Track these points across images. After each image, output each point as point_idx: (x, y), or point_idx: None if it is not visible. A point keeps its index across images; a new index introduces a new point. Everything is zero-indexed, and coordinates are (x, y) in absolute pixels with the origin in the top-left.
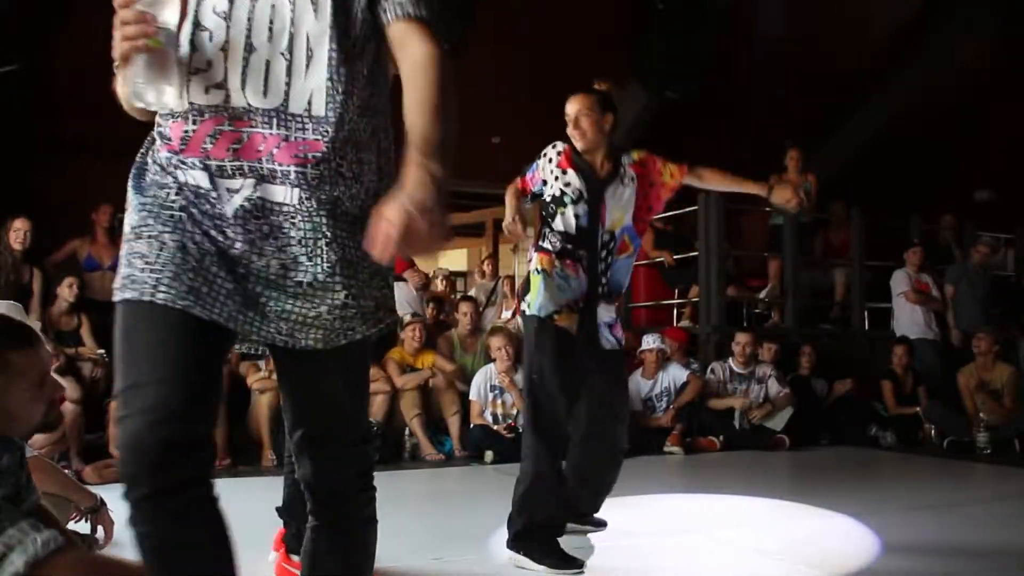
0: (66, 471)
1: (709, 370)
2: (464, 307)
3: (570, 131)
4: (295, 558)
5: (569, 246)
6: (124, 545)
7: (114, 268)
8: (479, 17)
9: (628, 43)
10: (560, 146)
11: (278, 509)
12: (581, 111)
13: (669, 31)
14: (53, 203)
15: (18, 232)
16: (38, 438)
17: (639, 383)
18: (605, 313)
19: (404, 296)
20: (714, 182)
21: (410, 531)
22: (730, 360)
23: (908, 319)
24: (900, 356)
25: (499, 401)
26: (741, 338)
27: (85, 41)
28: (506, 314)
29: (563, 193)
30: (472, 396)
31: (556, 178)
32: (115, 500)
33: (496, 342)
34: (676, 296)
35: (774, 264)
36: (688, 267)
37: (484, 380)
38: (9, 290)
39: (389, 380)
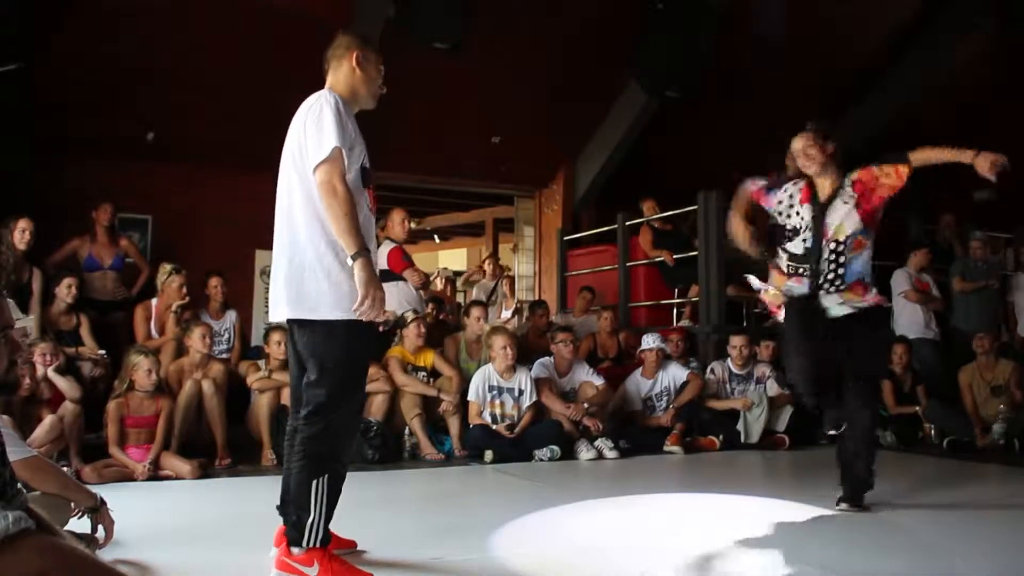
0: (65, 471)
1: (709, 370)
2: (475, 311)
3: (801, 162)
4: (296, 551)
5: (795, 265)
6: (124, 544)
7: (114, 268)
8: (479, 17)
9: (628, 43)
10: (800, 183)
11: (278, 507)
12: (807, 144)
13: (669, 31)
14: (53, 203)
15: (23, 232)
16: (38, 436)
17: (639, 382)
18: (832, 300)
19: (404, 295)
20: (930, 158)
21: (410, 531)
22: (728, 361)
23: (908, 319)
24: (900, 356)
25: (497, 401)
26: (736, 340)
27: (85, 41)
28: (506, 314)
29: (799, 227)
30: (471, 397)
31: (797, 212)
32: (115, 499)
33: (499, 341)
34: (676, 296)
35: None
36: (688, 267)
37: (482, 380)
38: (9, 290)
39: (389, 380)
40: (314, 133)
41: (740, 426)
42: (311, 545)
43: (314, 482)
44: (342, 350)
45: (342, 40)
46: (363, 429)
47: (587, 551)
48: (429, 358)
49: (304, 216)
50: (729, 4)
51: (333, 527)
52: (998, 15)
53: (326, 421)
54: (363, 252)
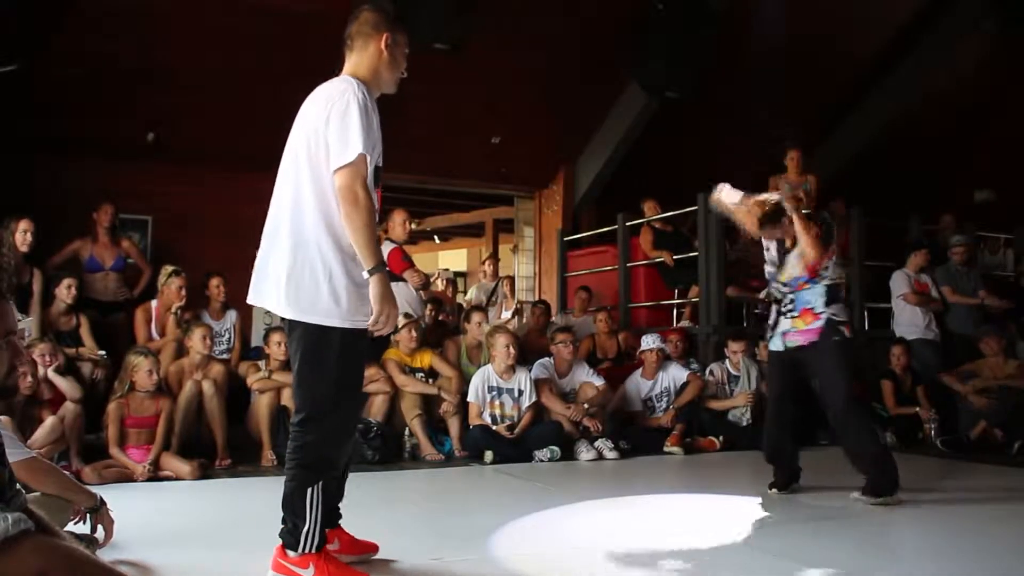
0: (65, 472)
1: (708, 371)
2: (476, 317)
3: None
4: (291, 554)
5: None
6: (124, 544)
7: (115, 269)
8: (479, 17)
9: (628, 43)
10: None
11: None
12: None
13: (669, 31)
14: (53, 203)
15: (24, 234)
16: (38, 437)
17: (639, 383)
18: (783, 325)
19: (404, 296)
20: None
21: (410, 531)
22: (727, 363)
23: (908, 320)
24: (899, 356)
25: (497, 402)
26: (735, 347)
27: (85, 41)
28: (506, 314)
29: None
30: (470, 398)
31: (767, 248)
32: (115, 500)
33: (502, 341)
34: (676, 296)
35: None
36: (688, 268)
37: (482, 381)
38: (10, 291)
39: (389, 381)
40: (338, 131)
41: (741, 417)
42: (306, 551)
43: (309, 490)
44: (335, 357)
45: (369, 17)
46: (363, 429)
47: (587, 551)
48: (426, 359)
49: (312, 213)
50: (729, 4)
51: (347, 528)
52: (999, 15)
53: (319, 429)
54: (380, 267)
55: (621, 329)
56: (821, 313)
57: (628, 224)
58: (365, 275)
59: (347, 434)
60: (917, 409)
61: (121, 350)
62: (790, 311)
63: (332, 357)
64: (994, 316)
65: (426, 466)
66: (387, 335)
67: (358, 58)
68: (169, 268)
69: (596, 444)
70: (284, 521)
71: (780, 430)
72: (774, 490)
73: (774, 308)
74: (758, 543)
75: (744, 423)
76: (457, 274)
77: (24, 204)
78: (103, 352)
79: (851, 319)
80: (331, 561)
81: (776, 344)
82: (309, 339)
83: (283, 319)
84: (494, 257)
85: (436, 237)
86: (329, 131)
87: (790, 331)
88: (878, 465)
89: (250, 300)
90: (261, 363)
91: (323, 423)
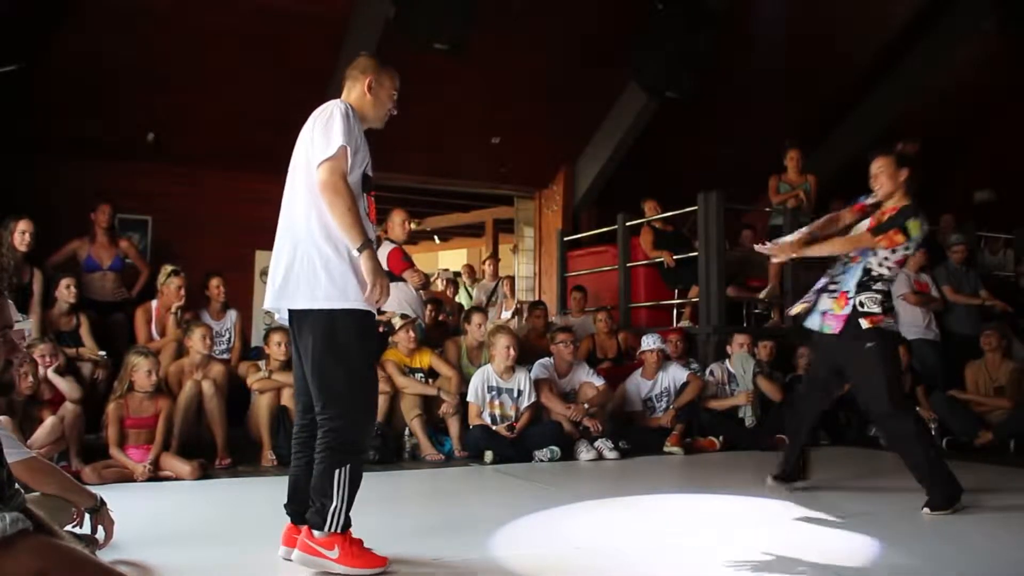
0: (65, 472)
1: (708, 371)
2: (476, 318)
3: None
4: (318, 535)
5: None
6: (124, 545)
7: (113, 269)
8: (479, 17)
9: (628, 43)
10: None
11: (285, 505)
12: (879, 168)
13: (669, 31)
14: (53, 203)
15: (23, 234)
16: (38, 437)
17: (639, 383)
18: (823, 304)
19: (404, 296)
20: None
21: (410, 531)
22: (727, 362)
23: (908, 320)
24: (899, 356)
25: (496, 402)
26: (741, 339)
27: (85, 41)
28: (506, 314)
29: None
30: (470, 398)
31: None
32: (115, 500)
33: (502, 341)
34: (676, 296)
35: (774, 264)
36: (688, 268)
37: (482, 381)
38: (9, 291)
39: (389, 381)
40: (322, 132)
41: (744, 417)
42: (333, 530)
43: (336, 471)
44: (346, 339)
45: (360, 62)
46: None
47: (587, 551)
48: (425, 359)
49: (304, 209)
50: (729, 4)
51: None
52: (999, 15)
53: (342, 412)
54: (367, 244)
55: (621, 329)
56: (852, 299)
57: (628, 224)
58: (355, 253)
59: (368, 417)
60: (917, 409)
61: (121, 350)
62: (835, 288)
63: (343, 340)
64: (995, 316)
65: (426, 466)
66: (385, 336)
67: (347, 94)
68: (168, 268)
69: (596, 444)
70: (312, 503)
71: (804, 410)
72: (772, 480)
73: (824, 280)
74: (758, 543)
75: (749, 422)
76: (457, 274)
77: (24, 204)
78: (103, 352)
79: (886, 312)
80: (355, 544)
81: (814, 322)
82: (318, 326)
83: (291, 317)
84: (494, 257)
85: (436, 237)
86: (315, 135)
87: (828, 312)
88: (933, 475)
89: (265, 305)
90: (261, 363)
91: (344, 405)
